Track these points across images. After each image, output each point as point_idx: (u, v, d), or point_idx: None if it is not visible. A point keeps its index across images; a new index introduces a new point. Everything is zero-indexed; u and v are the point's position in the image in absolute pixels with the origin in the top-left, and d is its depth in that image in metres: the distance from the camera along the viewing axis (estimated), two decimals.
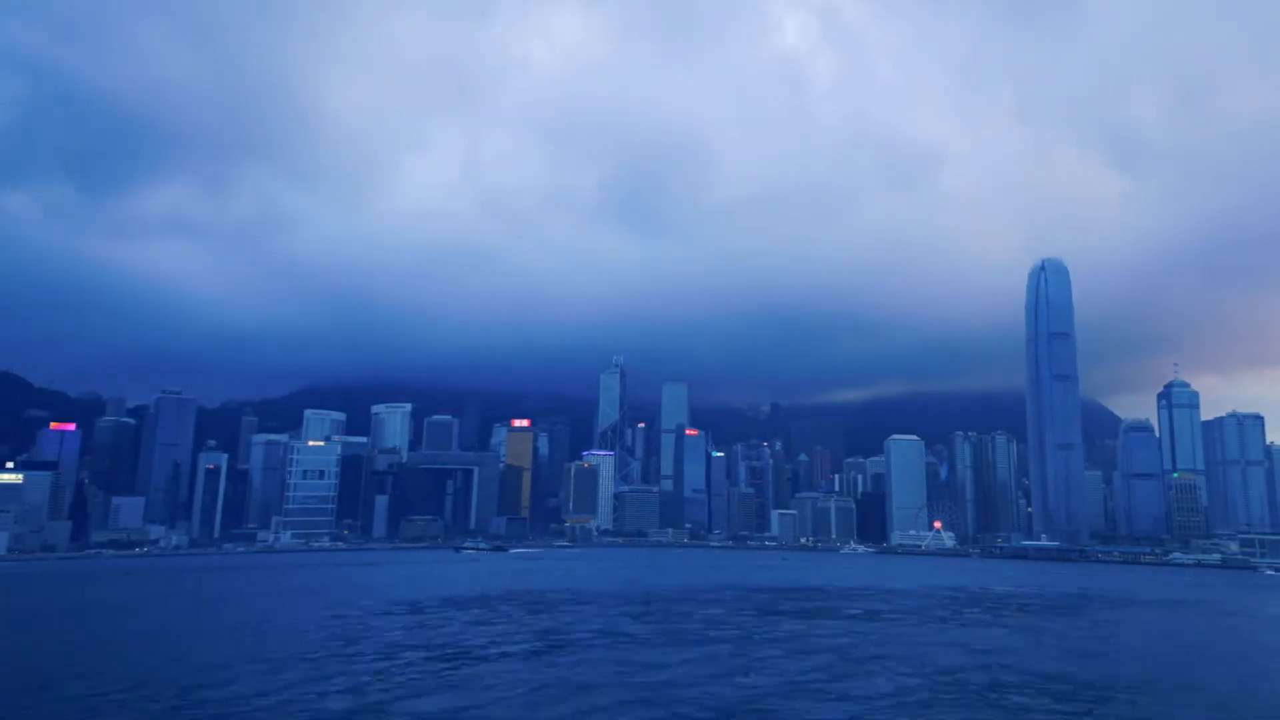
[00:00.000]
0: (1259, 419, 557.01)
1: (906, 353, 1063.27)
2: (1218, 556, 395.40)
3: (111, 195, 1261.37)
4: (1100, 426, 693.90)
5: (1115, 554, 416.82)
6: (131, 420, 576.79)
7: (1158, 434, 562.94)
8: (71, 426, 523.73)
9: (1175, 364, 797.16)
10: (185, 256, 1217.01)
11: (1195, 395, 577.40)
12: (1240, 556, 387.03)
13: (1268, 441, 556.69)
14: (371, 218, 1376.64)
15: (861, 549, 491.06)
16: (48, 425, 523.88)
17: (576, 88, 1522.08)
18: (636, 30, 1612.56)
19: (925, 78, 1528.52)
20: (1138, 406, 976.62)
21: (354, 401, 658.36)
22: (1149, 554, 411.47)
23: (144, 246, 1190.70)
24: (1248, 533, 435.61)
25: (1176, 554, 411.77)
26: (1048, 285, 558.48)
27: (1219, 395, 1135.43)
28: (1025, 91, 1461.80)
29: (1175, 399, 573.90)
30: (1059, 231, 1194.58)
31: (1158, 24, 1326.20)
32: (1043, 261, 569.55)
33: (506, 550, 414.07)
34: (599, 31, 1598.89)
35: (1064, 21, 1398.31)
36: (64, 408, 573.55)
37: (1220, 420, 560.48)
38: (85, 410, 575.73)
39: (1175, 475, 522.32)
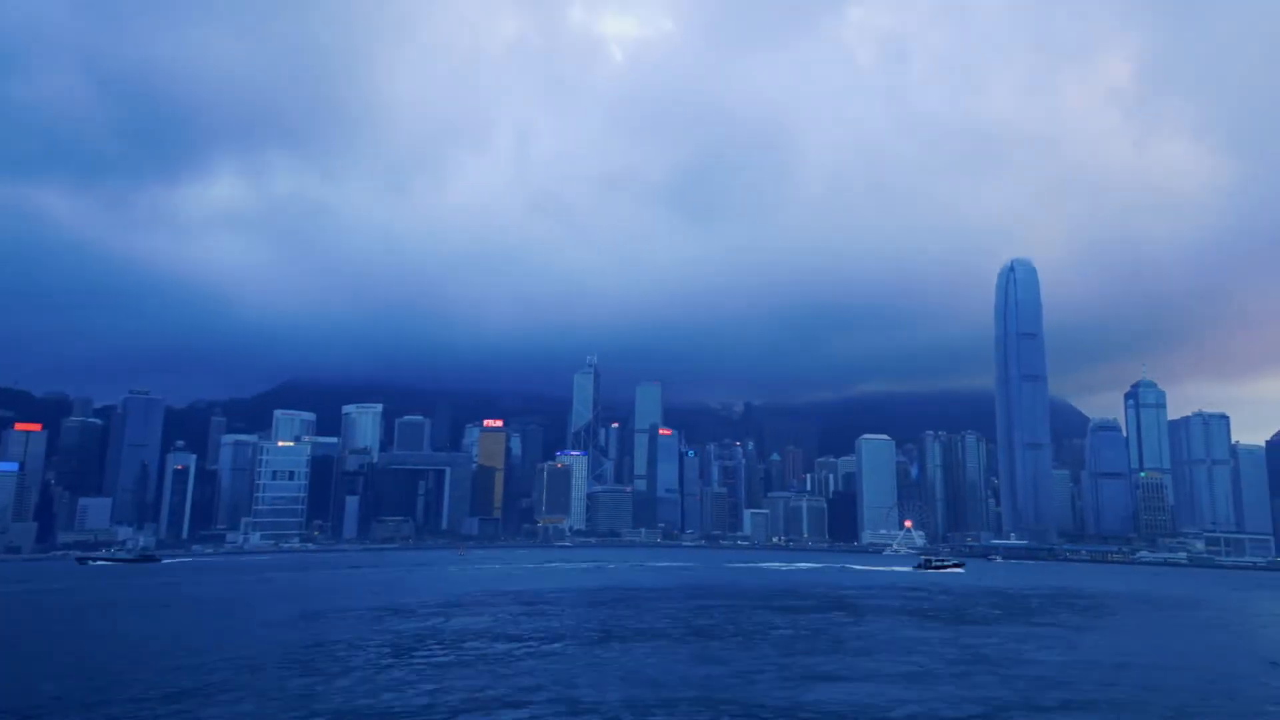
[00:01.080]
0: (1224, 418, 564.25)
1: (887, 352, 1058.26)
2: (1184, 555, 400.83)
3: (114, 190, 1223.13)
4: (1068, 426, 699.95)
5: (1083, 552, 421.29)
6: (98, 421, 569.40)
7: (1125, 434, 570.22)
8: (37, 427, 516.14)
9: (1143, 364, 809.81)
10: (198, 254, 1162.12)
11: (1162, 395, 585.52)
12: (1206, 555, 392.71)
13: (1233, 441, 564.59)
14: (408, 214, 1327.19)
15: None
16: (12, 426, 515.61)
17: (652, 76, 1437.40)
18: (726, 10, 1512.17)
19: (1022, 58, 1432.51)
20: (1105, 406, 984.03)
21: (324, 402, 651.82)
22: (1116, 552, 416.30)
23: (142, 242, 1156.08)
24: (1213, 531, 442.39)
25: (1144, 552, 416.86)
26: (1017, 286, 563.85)
27: (1197, 395, 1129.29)
28: (1135, 72, 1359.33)
29: (1142, 399, 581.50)
30: (1144, 218, 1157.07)
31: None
32: (1012, 262, 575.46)
33: (158, 560, 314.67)
34: (687, 10, 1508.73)
35: None
36: (29, 408, 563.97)
37: (1186, 420, 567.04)
38: (51, 410, 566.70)
39: (1142, 474, 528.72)
